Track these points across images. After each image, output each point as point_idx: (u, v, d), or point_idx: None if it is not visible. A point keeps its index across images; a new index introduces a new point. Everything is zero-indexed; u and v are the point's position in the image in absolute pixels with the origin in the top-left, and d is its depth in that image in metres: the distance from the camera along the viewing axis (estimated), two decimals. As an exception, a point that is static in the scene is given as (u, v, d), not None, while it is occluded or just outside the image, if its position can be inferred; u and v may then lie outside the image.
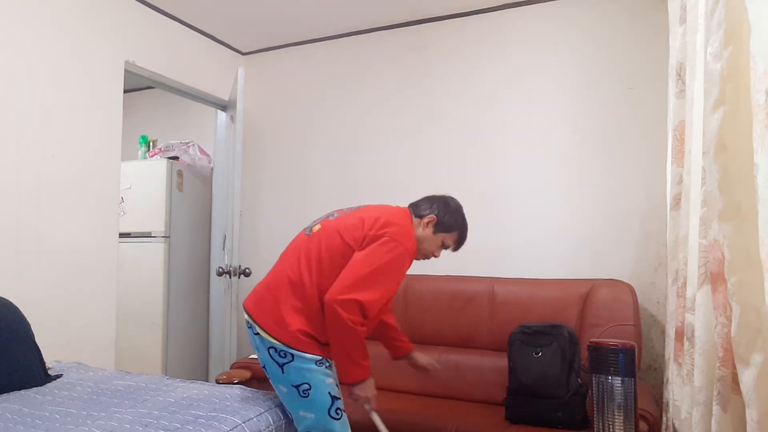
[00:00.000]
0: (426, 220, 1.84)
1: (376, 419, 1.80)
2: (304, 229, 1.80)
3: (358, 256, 1.63)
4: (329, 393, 1.62)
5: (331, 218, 1.78)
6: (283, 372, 1.61)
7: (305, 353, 1.60)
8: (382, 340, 2.07)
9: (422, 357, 2.12)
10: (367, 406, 1.76)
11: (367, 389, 1.70)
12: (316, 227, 1.76)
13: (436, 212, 1.85)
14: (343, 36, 3.31)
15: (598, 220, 2.64)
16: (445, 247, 1.90)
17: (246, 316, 1.70)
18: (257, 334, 1.64)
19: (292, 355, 1.60)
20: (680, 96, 1.76)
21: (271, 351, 1.62)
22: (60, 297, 2.41)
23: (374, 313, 1.62)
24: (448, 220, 1.85)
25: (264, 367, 1.67)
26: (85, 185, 2.53)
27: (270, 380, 1.67)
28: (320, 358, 1.62)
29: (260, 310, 1.66)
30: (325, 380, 1.62)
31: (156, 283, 3.32)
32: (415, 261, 1.80)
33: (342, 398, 1.67)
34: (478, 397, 2.45)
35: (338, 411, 1.64)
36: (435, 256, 1.91)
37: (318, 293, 1.63)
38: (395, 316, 2.10)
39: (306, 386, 1.60)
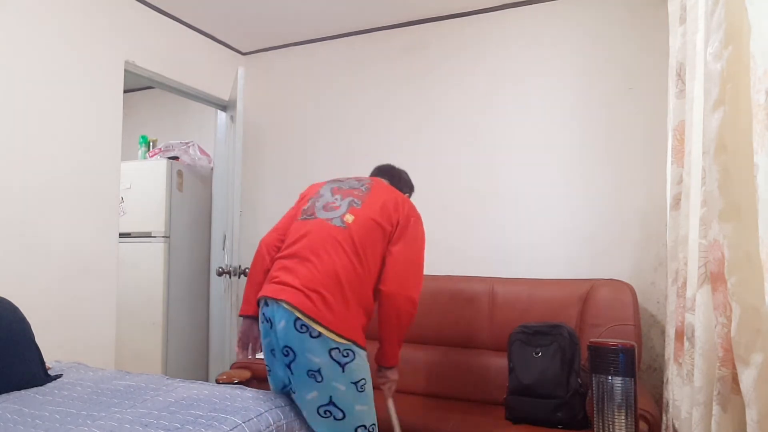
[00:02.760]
0: (405, 196, 1.93)
1: (392, 405, 1.90)
2: (327, 219, 1.72)
3: (405, 246, 1.71)
4: (371, 383, 1.64)
5: (356, 206, 1.74)
6: (344, 371, 1.55)
7: (363, 349, 1.60)
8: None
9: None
10: (388, 392, 1.86)
11: (397, 374, 1.83)
12: (348, 217, 1.70)
13: (411, 191, 2.14)
14: (343, 36, 3.31)
15: (598, 220, 2.64)
16: None
17: (299, 316, 1.53)
18: (317, 336, 1.52)
19: (354, 353, 1.56)
20: (680, 96, 1.76)
21: (334, 352, 1.53)
22: (60, 297, 2.41)
23: None
24: (409, 194, 2.09)
25: (315, 370, 1.53)
26: (85, 185, 2.53)
27: (316, 381, 1.54)
28: (367, 351, 1.62)
29: (323, 310, 1.54)
30: (369, 371, 1.63)
31: (156, 283, 3.32)
32: None
33: None
34: (478, 397, 2.45)
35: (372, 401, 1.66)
36: None
37: (369, 285, 1.66)
38: None
39: (363, 381, 1.59)
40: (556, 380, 2.08)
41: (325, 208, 1.76)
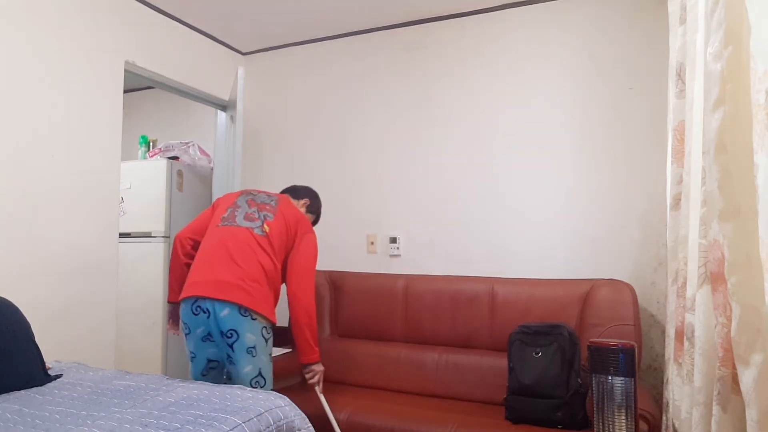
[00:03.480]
0: (303, 201, 2.40)
1: (321, 394, 2.19)
2: (249, 228, 2.12)
3: (301, 256, 2.15)
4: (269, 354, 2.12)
5: (269, 219, 2.17)
6: (266, 345, 2.05)
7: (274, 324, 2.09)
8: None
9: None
10: (316, 382, 2.19)
11: (321, 365, 2.19)
12: (266, 228, 2.14)
13: (309, 196, 2.43)
14: (343, 36, 3.31)
15: (598, 220, 2.64)
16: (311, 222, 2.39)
17: (242, 305, 1.96)
18: (254, 319, 1.99)
19: (271, 331, 2.08)
20: (680, 96, 1.76)
21: (263, 331, 2.03)
22: (60, 297, 2.41)
23: None
24: (315, 205, 2.45)
25: (252, 347, 1.99)
26: (85, 185, 2.53)
27: (252, 356, 1.99)
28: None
29: (257, 299, 2.00)
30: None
31: (156, 283, 3.32)
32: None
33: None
34: (478, 397, 2.45)
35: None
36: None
37: (279, 278, 2.13)
38: None
39: (270, 348, 2.09)
40: (556, 380, 2.08)
41: (246, 218, 2.15)
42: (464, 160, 2.93)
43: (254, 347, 1.99)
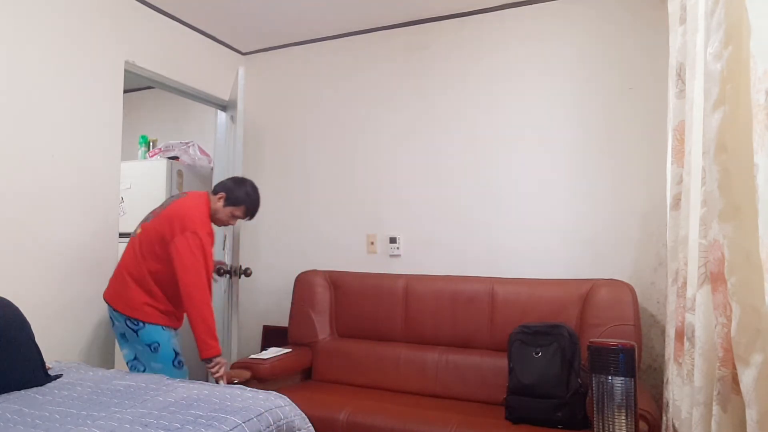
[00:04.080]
0: (218, 196, 2.36)
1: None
2: (136, 230, 2.34)
3: (175, 253, 2.15)
4: (172, 349, 2.25)
5: (146, 221, 2.31)
6: (138, 336, 2.21)
7: (152, 323, 2.21)
8: None
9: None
10: (218, 375, 2.23)
11: (222, 359, 2.22)
12: (139, 230, 2.31)
13: (225, 189, 2.37)
14: (343, 36, 3.31)
15: (598, 220, 2.64)
16: (235, 217, 2.39)
17: (108, 307, 2.27)
18: (116, 311, 2.23)
19: (143, 324, 2.21)
20: (680, 96, 1.76)
21: (128, 322, 2.21)
22: (60, 297, 2.41)
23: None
24: (235, 198, 2.35)
25: (122, 333, 2.25)
26: (85, 185, 2.53)
27: (126, 341, 2.26)
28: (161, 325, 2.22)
29: (114, 297, 2.26)
30: (169, 339, 2.24)
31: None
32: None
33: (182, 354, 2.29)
34: (478, 397, 2.45)
35: (179, 363, 2.27)
36: (229, 225, 2.46)
37: (149, 275, 2.22)
38: None
39: (156, 344, 2.22)
40: (556, 380, 2.08)
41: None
42: (464, 159, 2.93)
43: (123, 334, 2.26)
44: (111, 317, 2.29)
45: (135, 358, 2.27)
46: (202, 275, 2.15)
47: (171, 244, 2.16)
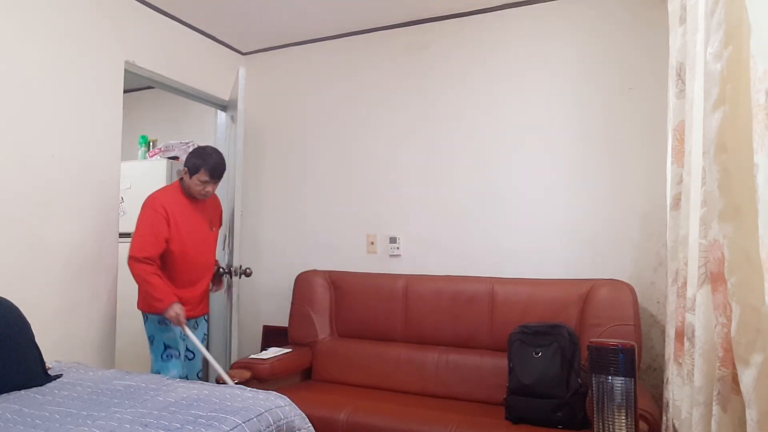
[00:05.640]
0: (182, 172, 2.49)
1: (189, 333, 2.42)
2: None
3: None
4: (163, 343, 2.44)
5: None
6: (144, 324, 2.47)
7: (150, 314, 2.43)
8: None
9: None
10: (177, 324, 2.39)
11: (172, 311, 2.35)
12: None
13: (185, 164, 2.47)
14: (343, 36, 3.31)
15: (598, 220, 2.64)
16: (204, 182, 2.44)
17: None
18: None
19: (146, 317, 2.47)
20: (680, 96, 1.76)
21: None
22: (60, 297, 2.41)
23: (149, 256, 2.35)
24: (193, 164, 2.43)
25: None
26: (85, 185, 2.53)
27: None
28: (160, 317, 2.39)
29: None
30: (161, 333, 2.43)
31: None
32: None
33: (177, 347, 2.46)
34: (478, 397, 2.45)
35: (168, 356, 2.45)
36: (206, 192, 2.49)
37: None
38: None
39: (152, 337, 2.46)
40: (556, 380, 2.08)
41: None
42: (464, 159, 2.93)
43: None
44: None
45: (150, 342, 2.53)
46: (140, 243, 2.35)
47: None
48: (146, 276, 2.33)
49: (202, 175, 2.42)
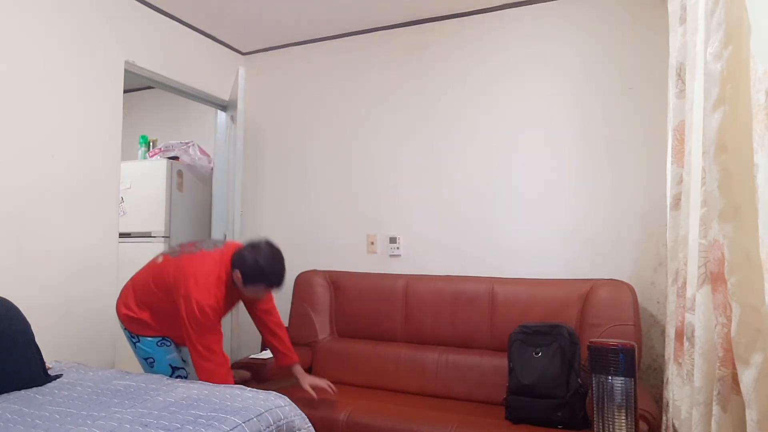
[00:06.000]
0: (235, 275, 2.08)
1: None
2: (159, 254, 2.30)
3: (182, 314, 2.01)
4: (168, 364, 2.18)
5: (173, 255, 2.18)
6: (135, 348, 2.21)
7: (146, 336, 2.17)
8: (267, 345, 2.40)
9: (308, 377, 2.30)
10: None
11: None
12: (160, 258, 2.23)
13: (239, 267, 2.07)
14: (343, 36, 3.31)
15: (598, 220, 2.64)
16: (260, 293, 2.15)
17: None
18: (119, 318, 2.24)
19: (138, 339, 2.18)
20: (680, 96, 1.76)
21: (126, 332, 2.21)
22: (60, 297, 2.41)
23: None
24: (250, 275, 2.06)
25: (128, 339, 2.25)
26: (85, 185, 2.53)
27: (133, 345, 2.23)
28: (160, 338, 2.17)
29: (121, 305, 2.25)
30: (163, 354, 2.18)
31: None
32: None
33: (184, 367, 2.23)
34: (478, 397, 2.45)
35: (177, 378, 2.15)
36: (259, 297, 2.22)
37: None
38: (283, 328, 2.40)
39: (151, 360, 2.18)
40: (556, 380, 2.08)
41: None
42: (464, 159, 2.93)
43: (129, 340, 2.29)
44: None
45: (144, 362, 2.23)
46: (202, 343, 1.99)
47: (177, 301, 2.04)
48: (211, 371, 2.01)
49: (262, 289, 2.13)
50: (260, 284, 2.09)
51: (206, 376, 1.98)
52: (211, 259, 2.11)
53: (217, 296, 2.04)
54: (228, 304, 2.15)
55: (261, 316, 2.35)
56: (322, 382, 2.28)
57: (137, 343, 2.18)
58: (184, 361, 2.26)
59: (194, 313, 1.97)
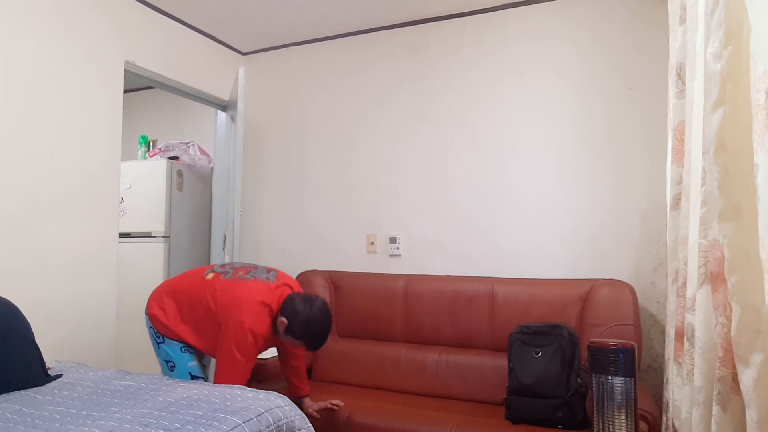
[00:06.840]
0: (279, 321, 2.06)
1: None
2: (207, 269, 2.21)
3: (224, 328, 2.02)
4: (189, 372, 2.13)
5: (224, 276, 2.14)
6: (158, 348, 2.16)
7: (172, 340, 2.12)
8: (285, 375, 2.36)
9: (313, 404, 2.28)
10: None
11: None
12: (210, 275, 2.16)
13: (288, 318, 2.04)
14: (343, 36, 3.31)
15: (598, 220, 2.64)
16: (296, 345, 2.12)
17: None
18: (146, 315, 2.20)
19: (163, 339, 2.14)
20: (680, 96, 1.76)
21: (152, 330, 2.16)
22: (60, 297, 2.41)
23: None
24: (295, 329, 2.04)
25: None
26: (85, 185, 2.53)
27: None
28: (185, 344, 2.13)
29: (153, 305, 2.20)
30: (184, 359, 2.13)
31: (156, 283, 3.29)
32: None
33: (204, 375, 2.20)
34: (478, 397, 2.45)
35: None
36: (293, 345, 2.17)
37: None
38: (303, 362, 2.36)
39: (172, 364, 2.13)
40: (556, 380, 2.08)
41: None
42: (464, 159, 2.93)
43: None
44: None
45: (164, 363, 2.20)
46: (238, 377, 2.01)
47: (225, 323, 2.03)
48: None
49: (299, 344, 2.10)
50: (301, 341, 2.07)
51: (223, 379, 2.00)
52: (267, 289, 2.09)
53: (269, 329, 2.06)
54: (270, 339, 2.12)
55: (287, 352, 2.30)
56: (327, 404, 2.26)
57: (161, 344, 2.14)
58: (204, 366, 2.24)
59: (245, 338, 1.97)
